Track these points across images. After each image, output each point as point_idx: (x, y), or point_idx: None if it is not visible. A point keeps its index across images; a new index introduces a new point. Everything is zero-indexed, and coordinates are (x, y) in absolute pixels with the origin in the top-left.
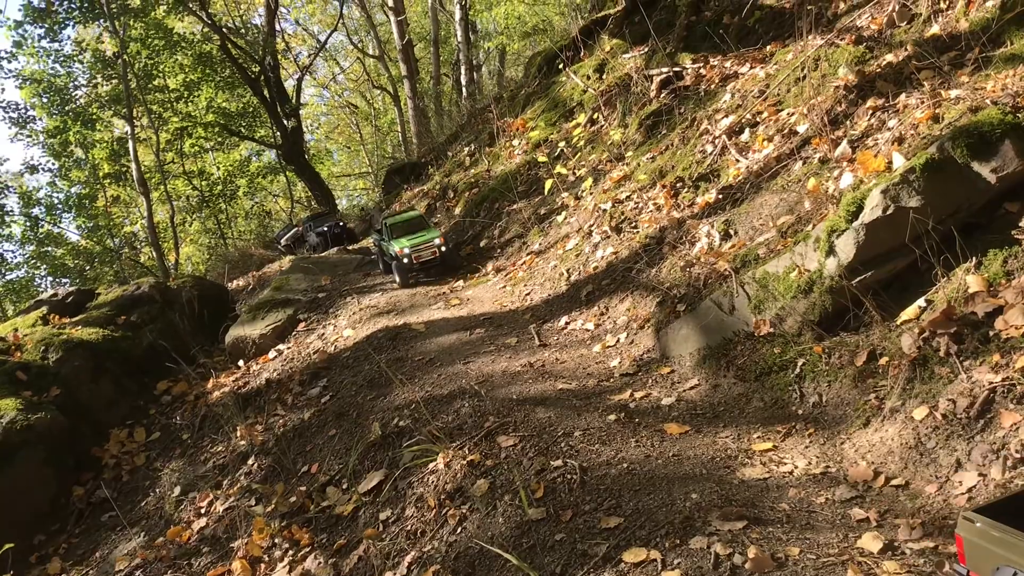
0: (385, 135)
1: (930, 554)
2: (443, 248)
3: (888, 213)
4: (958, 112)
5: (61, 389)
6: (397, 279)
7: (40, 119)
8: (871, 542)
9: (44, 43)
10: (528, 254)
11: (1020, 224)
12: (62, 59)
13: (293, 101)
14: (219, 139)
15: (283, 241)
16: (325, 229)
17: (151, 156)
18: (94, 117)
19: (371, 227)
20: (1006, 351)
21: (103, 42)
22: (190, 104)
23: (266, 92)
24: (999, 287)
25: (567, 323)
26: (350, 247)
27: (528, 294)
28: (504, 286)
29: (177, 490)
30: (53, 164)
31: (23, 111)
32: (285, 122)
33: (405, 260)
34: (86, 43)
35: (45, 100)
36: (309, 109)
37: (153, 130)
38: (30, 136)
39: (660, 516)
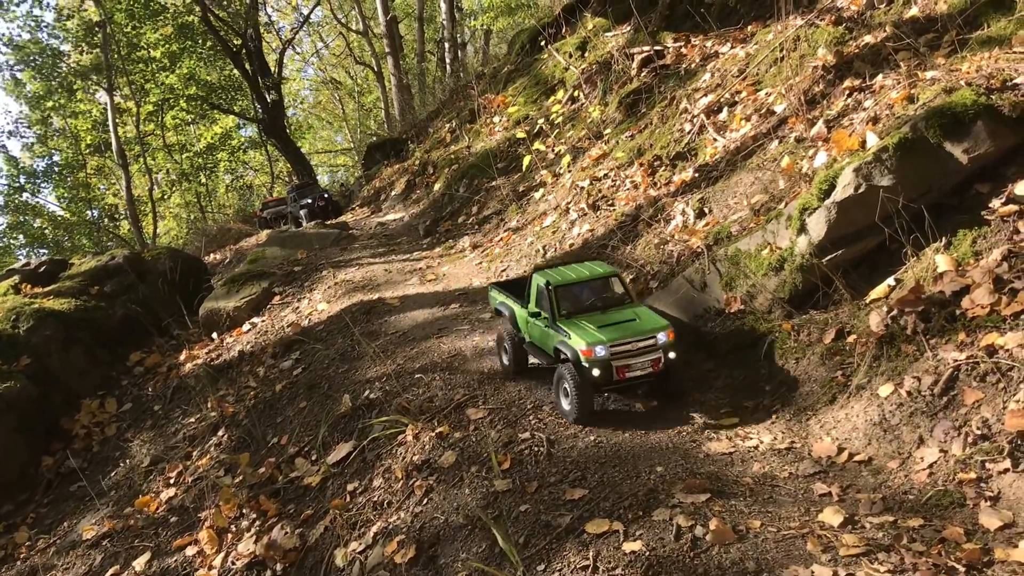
0: (369, 111)
1: (889, 527)
2: (670, 354)
3: (860, 192)
4: (933, 93)
5: (31, 358)
6: (568, 407)
7: (25, 85)
8: (832, 516)
9: (26, 6)
10: (505, 231)
11: (990, 205)
12: (44, 26)
13: (275, 74)
14: (200, 112)
15: (265, 212)
16: (309, 201)
17: (132, 129)
18: (75, 87)
19: (350, 202)
20: (971, 330)
21: (86, 10)
22: (171, 75)
23: (247, 65)
24: (967, 267)
25: None
26: (329, 221)
27: (504, 271)
28: (481, 262)
29: (147, 461)
30: (32, 132)
31: (12, 69)
32: (266, 96)
33: (597, 372)
34: (70, 9)
35: (31, 66)
36: (292, 84)
37: (135, 101)
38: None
39: (624, 488)
